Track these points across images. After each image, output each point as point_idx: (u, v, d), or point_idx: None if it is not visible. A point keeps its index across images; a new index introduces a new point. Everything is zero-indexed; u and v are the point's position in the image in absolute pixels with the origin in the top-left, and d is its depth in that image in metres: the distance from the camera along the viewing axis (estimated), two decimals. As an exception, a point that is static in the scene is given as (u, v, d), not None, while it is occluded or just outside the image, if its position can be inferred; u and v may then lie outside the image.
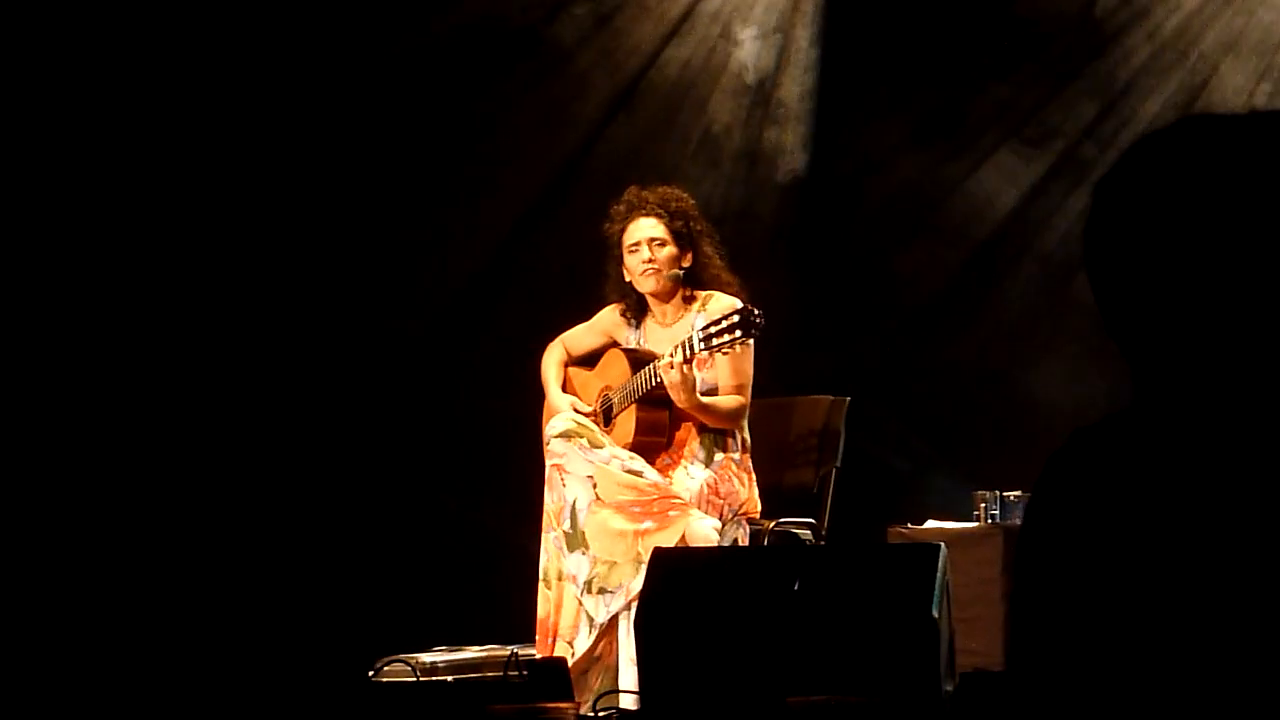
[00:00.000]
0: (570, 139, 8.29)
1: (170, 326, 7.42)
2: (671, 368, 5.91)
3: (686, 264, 6.24)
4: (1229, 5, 8.37)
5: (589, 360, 6.55)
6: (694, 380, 6.00)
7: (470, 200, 8.10)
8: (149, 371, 7.36)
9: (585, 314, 6.54)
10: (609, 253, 6.34)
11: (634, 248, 6.23)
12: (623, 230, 6.28)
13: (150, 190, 7.40)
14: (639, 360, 6.22)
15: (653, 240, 6.21)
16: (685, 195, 6.39)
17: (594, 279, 6.51)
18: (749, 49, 8.49)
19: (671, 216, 6.25)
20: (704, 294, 6.27)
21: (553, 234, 7.98)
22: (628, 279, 6.28)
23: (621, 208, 6.32)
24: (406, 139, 7.90)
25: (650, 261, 6.20)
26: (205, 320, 7.50)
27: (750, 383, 6.17)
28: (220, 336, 7.54)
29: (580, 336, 6.56)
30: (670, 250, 6.22)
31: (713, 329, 5.84)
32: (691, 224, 6.27)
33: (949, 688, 5.16)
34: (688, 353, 5.89)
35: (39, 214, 7.22)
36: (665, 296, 6.29)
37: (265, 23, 7.59)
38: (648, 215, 6.25)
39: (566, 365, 6.58)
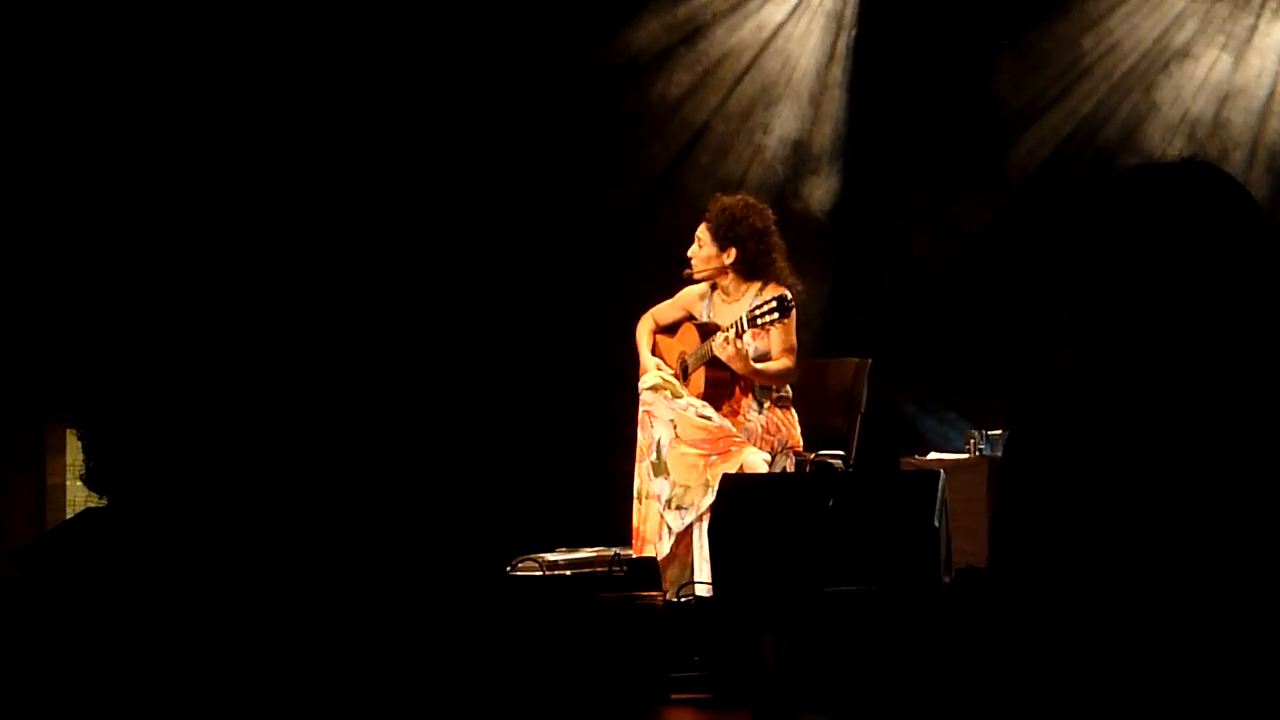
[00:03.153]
0: (664, 155, 8.56)
1: (357, 298, 7.72)
2: (727, 344, 6.23)
3: (729, 259, 6.44)
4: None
5: (671, 329, 6.74)
6: (746, 351, 6.26)
7: (593, 198, 8.42)
8: (331, 331, 7.60)
9: (675, 290, 6.74)
10: None
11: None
12: None
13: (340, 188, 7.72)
14: (706, 332, 6.49)
15: (697, 239, 6.50)
16: (740, 203, 6.51)
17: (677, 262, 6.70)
18: (793, 106, 8.66)
19: (717, 225, 6.46)
20: (761, 282, 6.46)
21: (655, 222, 8.17)
22: None
23: None
24: (555, 145, 8.25)
25: (690, 258, 6.52)
26: (387, 289, 7.79)
27: (795, 350, 6.40)
28: (401, 304, 7.83)
29: (665, 310, 6.77)
30: (708, 250, 6.46)
31: (757, 312, 6.18)
32: (737, 227, 6.43)
33: (947, 579, 5.37)
34: (740, 329, 6.21)
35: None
36: (723, 282, 6.52)
37: (467, 62, 8.01)
38: (703, 221, 6.50)
39: (655, 333, 6.75)
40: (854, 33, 8.63)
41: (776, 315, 6.14)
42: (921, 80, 8.48)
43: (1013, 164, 8.56)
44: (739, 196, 6.61)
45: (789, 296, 6.19)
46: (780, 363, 6.40)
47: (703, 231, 6.50)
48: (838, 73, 8.66)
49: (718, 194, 6.63)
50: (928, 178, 8.54)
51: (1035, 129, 8.54)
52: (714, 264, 6.49)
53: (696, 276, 6.58)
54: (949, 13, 8.42)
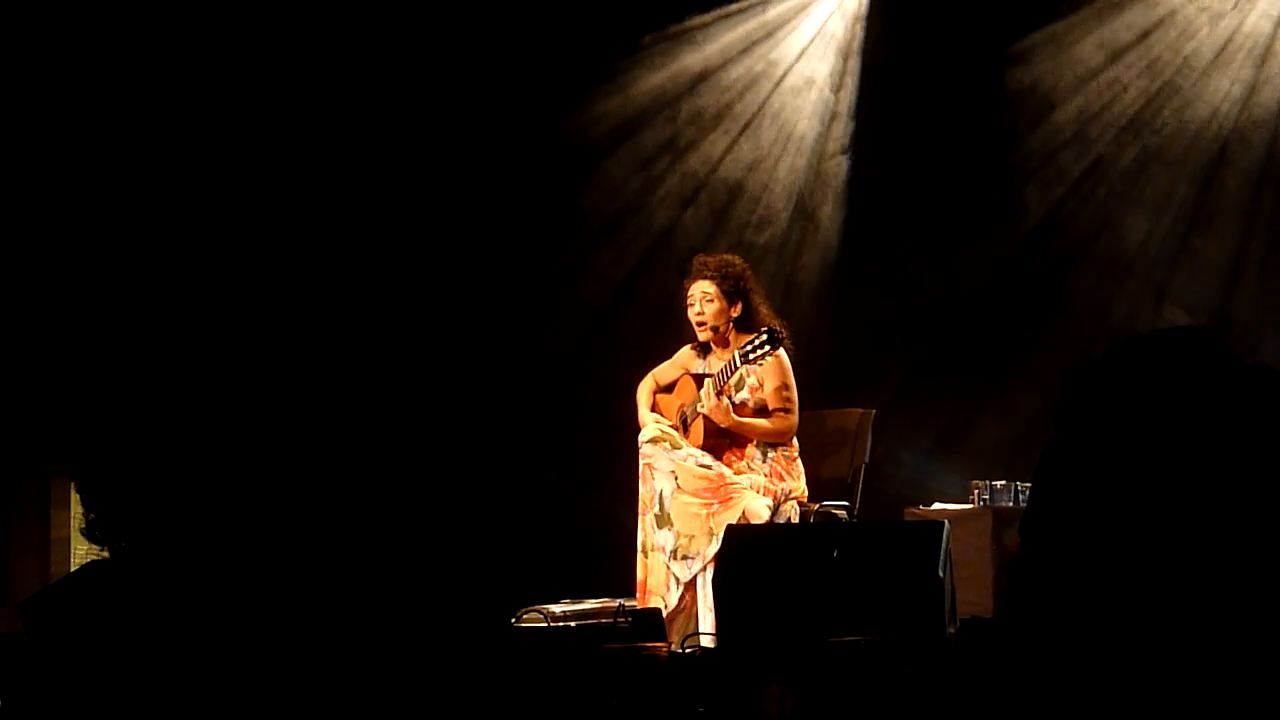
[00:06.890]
0: (663, 214, 8.59)
1: (380, 334, 7.76)
2: (708, 397, 6.27)
3: (736, 313, 6.46)
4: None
5: (671, 387, 6.74)
6: (727, 406, 6.29)
7: (597, 255, 8.46)
8: (344, 367, 7.62)
9: (674, 347, 6.77)
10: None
11: (690, 302, 6.49)
12: (686, 290, 6.55)
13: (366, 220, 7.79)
14: (702, 382, 6.47)
15: (704, 296, 6.45)
16: (738, 261, 6.57)
17: (670, 325, 6.73)
18: (802, 136, 8.66)
19: (724, 279, 6.44)
20: (753, 334, 6.38)
21: (655, 279, 8.21)
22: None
23: (691, 268, 6.58)
24: (556, 206, 8.34)
25: (700, 314, 6.46)
26: (394, 339, 7.83)
27: (792, 406, 6.36)
28: (408, 356, 7.86)
29: (665, 371, 6.77)
30: (718, 305, 6.44)
31: (749, 347, 6.18)
32: (741, 283, 6.48)
33: (952, 630, 5.32)
34: (720, 385, 6.25)
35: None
36: (720, 340, 6.50)
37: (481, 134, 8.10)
38: (704, 279, 6.47)
39: (655, 392, 6.75)
40: (857, 78, 8.60)
41: (768, 347, 6.13)
42: (926, 130, 8.45)
43: (1021, 211, 8.51)
44: (724, 255, 6.63)
45: (779, 330, 6.17)
46: (765, 423, 6.37)
47: (710, 288, 6.46)
48: (841, 116, 8.62)
49: (703, 256, 6.62)
50: (933, 228, 8.50)
51: (1043, 174, 8.48)
52: (723, 317, 6.47)
53: (711, 329, 6.51)
54: (949, 58, 8.42)
